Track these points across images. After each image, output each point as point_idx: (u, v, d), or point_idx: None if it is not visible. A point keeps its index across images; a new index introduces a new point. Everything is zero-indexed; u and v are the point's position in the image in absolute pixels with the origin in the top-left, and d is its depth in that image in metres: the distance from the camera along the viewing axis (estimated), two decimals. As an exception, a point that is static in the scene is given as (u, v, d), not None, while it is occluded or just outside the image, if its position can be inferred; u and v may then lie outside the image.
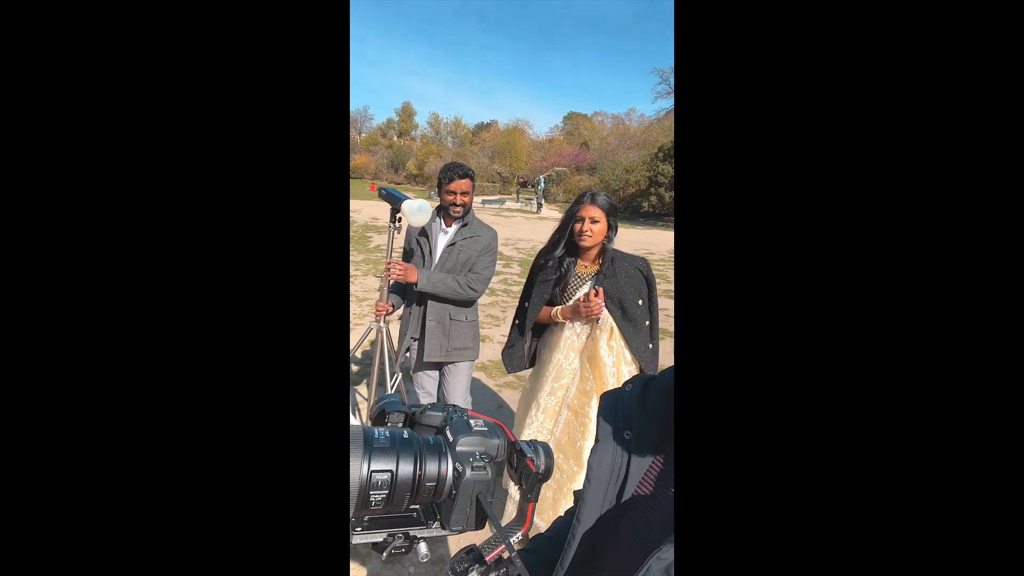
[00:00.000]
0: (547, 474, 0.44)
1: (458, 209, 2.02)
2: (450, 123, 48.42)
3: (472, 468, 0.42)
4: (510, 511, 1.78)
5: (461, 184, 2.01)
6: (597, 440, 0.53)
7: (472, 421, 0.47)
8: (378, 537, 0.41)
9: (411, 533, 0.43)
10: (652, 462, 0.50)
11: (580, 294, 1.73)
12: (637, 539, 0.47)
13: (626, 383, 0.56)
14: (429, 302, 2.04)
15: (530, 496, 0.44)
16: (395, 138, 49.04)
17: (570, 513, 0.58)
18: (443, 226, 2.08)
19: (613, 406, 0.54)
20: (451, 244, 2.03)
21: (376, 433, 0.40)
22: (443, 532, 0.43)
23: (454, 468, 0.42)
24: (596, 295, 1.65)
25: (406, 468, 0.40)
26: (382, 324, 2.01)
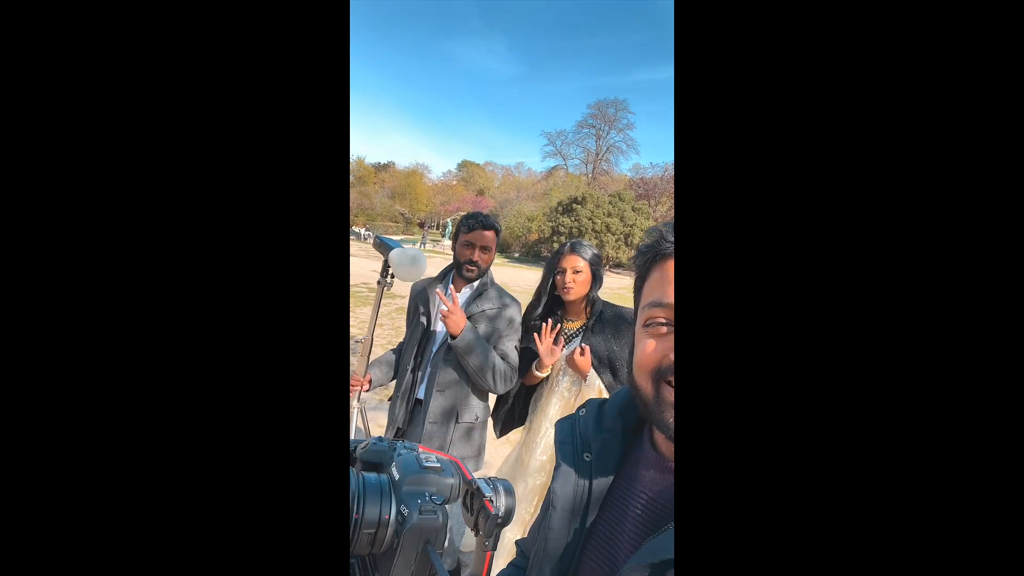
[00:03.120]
0: (508, 517, 0.38)
1: (473, 269, 1.47)
2: (352, 162, 46.57)
3: (420, 512, 0.35)
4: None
5: (486, 235, 1.47)
6: (558, 466, 0.52)
7: (422, 457, 0.40)
8: None
9: None
10: (613, 482, 0.49)
11: (566, 353, 1.47)
12: (604, 561, 0.46)
13: (579, 408, 0.56)
14: (436, 389, 1.46)
15: (487, 543, 0.37)
16: (288, 173, 45.59)
17: (530, 542, 0.58)
18: (452, 290, 1.50)
19: (570, 431, 0.53)
20: (467, 316, 1.46)
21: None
22: None
23: (398, 512, 0.36)
24: (582, 354, 1.42)
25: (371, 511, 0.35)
26: (356, 403, 1.51)
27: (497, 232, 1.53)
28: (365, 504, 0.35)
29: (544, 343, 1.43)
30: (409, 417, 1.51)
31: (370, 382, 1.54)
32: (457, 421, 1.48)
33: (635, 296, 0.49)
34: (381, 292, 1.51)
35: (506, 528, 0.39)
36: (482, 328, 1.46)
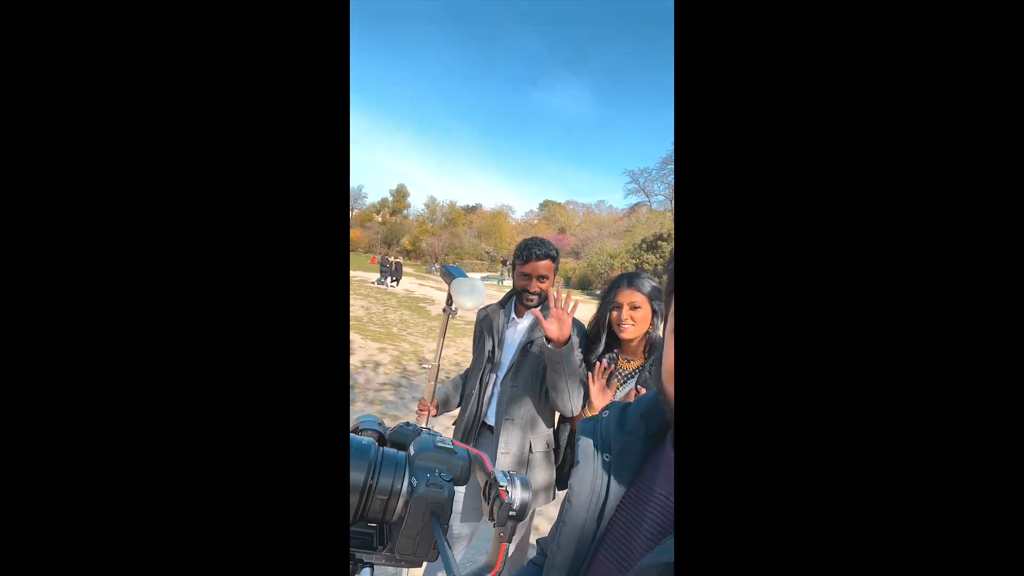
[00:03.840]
0: (522, 510, 0.40)
1: (533, 297, 1.48)
2: (445, 205, 50.10)
3: (427, 484, 0.38)
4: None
5: (540, 266, 1.47)
6: (577, 462, 0.53)
7: (438, 440, 0.43)
8: None
9: (357, 555, 0.39)
10: (632, 483, 0.49)
11: (620, 396, 1.36)
12: (618, 559, 0.46)
13: (602, 410, 0.55)
14: (506, 418, 1.45)
15: (503, 535, 0.40)
16: (388, 216, 50.19)
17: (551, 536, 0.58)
18: (514, 316, 1.55)
19: (592, 431, 0.54)
20: (529, 343, 1.48)
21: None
22: (391, 560, 0.39)
23: (409, 483, 0.39)
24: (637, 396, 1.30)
25: (357, 474, 0.37)
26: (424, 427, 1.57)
27: (553, 259, 1.51)
28: (380, 473, 0.39)
29: (596, 384, 1.35)
30: (475, 444, 1.53)
31: (437, 407, 1.60)
32: (531, 451, 1.47)
33: (665, 302, 0.49)
34: (447, 319, 1.58)
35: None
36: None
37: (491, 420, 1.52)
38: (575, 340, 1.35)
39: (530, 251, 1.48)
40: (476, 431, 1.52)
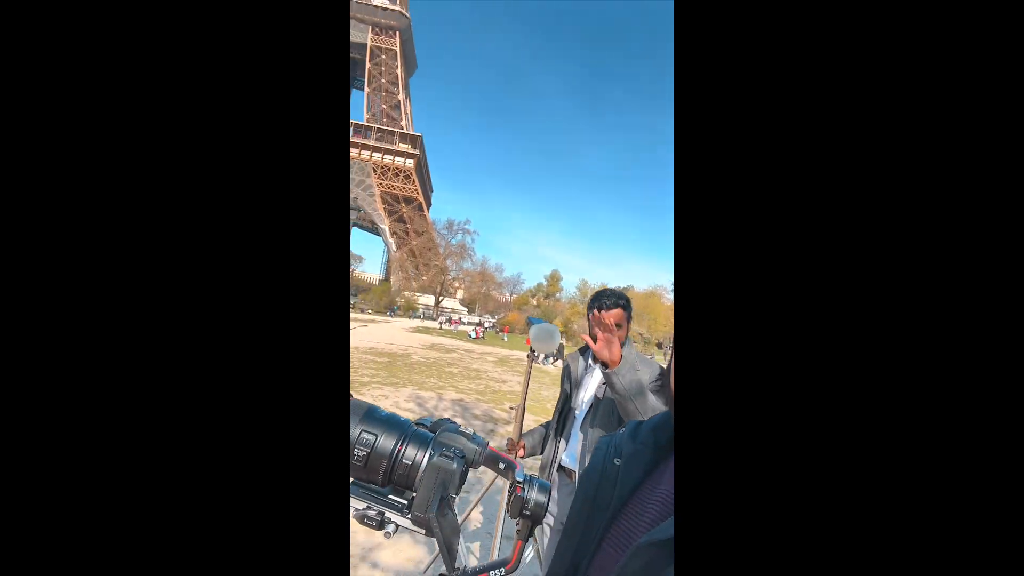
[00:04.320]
0: (536, 510, 0.45)
1: None
2: (596, 287, 50.67)
3: (441, 455, 0.44)
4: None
5: (611, 315, 1.52)
6: (587, 464, 0.57)
7: (462, 428, 0.49)
8: (359, 504, 0.45)
9: (384, 513, 0.45)
10: (639, 487, 0.52)
11: None
12: (621, 544, 0.49)
13: (620, 427, 0.61)
14: (584, 456, 1.47)
15: (519, 532, 0.46)
16: (543, 299, 52.96)
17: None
18: (591, 363, 1.60)
19: (607, 442, 0.59)
20: (604, 387, 1.50)
21: (380, 411, 0.45)
22: (414, 522, 0.44)
23: (429, 455, 0.45)
24: None
25: (388, 440, 0.44)
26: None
27: (624, 307, 1.53)
28: (408, 444, 0.45)
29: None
30: (554, 486, 1.55)
31: (523, 447, 1.68)
32: None
33: (675, 319, 0.53)
34: (531, 365, 1.71)
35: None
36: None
37: (568, 463, 1.55)
38: (633, 359, 1.36)
39: (601, 300, 1.55)
40: (553, 471, 1.57)
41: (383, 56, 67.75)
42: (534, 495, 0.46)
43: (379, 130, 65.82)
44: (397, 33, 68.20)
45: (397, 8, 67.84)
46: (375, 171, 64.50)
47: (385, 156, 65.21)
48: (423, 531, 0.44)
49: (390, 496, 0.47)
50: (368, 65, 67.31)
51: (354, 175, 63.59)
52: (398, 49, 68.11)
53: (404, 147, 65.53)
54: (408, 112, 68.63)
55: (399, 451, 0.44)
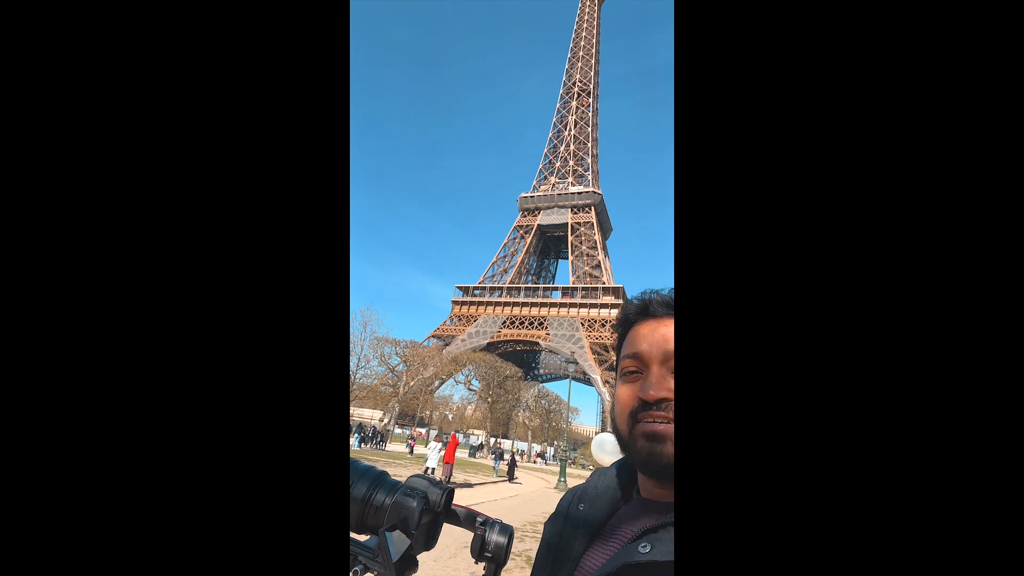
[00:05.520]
0: (497, 552, 0.48)
1: None
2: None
3: (403, 494, 0.47)
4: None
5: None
6: (555, 510, 0.60)
7: (433, 477, 0.53)
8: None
9: (361, 558, 0.46)
10: (604, 526, 0.55)
11: None
12: None
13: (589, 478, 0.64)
14: None
15: (485, 573, 0.48)
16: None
17: None
18: None
19: (572, 491, 0.62)
20: None
21: (360, 463, 0.49)
22: (381, 566, 0.45)
23: (394, 497, 0.48)
24: None
25: (360, 488, 0.48)
26: None
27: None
28: (379, 490, 0.48)
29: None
30: None
31: None
32: None
33: (616, 355, 0.57)
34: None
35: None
36: None
37: None
38: None
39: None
40: None
41: (582, 228, 78.35)
42: (494, 537, 0.48)
43: (583, 289, 72.31)
44: (592, 208, 79.12)
45: (590, 189, 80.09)
46: (583, 325, 68.89)
47: (591, 310, 69.86)
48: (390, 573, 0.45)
49: (370, 545, 0.50)
50: (570, 238, 78.33)
51: (563, 330, 69.14)
52: (594, 220, 78.05)
53: (607, 299, 69.36)
54: (608, 268, 74.40)
55: (370, 496, 0.47)
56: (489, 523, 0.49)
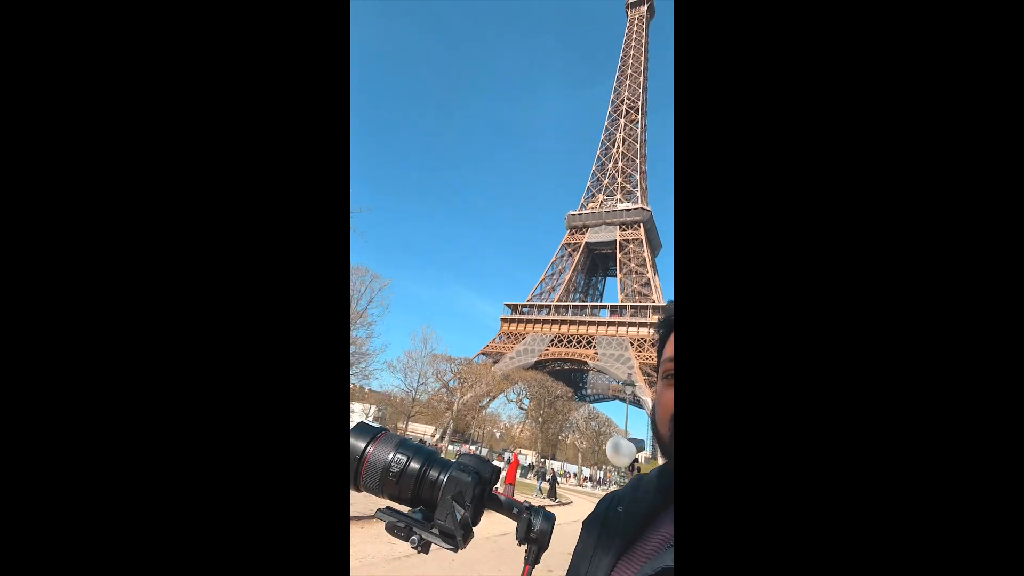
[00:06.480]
0: (540, 537, 0.51)
1: None
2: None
3: (456, 469, 0.51)
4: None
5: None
6: (592, 513, 0.61)
7: (482, 454, 0.52)
8: (392, 518, 0.51)
9: (412, 527, 0.51)
10: (642, 531, 0.55)
11: None
12: None
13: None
14: None
15: (527, 557, 0.52)
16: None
17: None
18: None
19: (611, 495, 0.63)
20: None
21: (410, 441, 0.53)
22: (433, 531, 0.49)
23: (448, 472, 0.51)
24: None
25: (416, 463, 0.51)
26: None
27: None
28: (433, 466, 0.51)
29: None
30: None
31: None
32: None
33: (658, 358, 0.57)
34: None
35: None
36: None
37: None
38: None
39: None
40: None
41: (631, 245, 76.74)
42: (539, 522, 0.51)
43: (632, 307, 70.38)
44: (641, 225, 77.43)
45: (639, 206, 78.57)
46: (632, 344, 66.85)
47: (641, 329, 67.75)
48: (448, 546, 0.49)
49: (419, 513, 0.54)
50: (619, 256, 76.92)
51: (612, 350, 67.34)
52: (643, 237, 76.24)
53: (657, 318, 67.04)
54: (658, 287, 72.06)
55: (425, 470, 0.51)
56: (533, 509, 0.53)
